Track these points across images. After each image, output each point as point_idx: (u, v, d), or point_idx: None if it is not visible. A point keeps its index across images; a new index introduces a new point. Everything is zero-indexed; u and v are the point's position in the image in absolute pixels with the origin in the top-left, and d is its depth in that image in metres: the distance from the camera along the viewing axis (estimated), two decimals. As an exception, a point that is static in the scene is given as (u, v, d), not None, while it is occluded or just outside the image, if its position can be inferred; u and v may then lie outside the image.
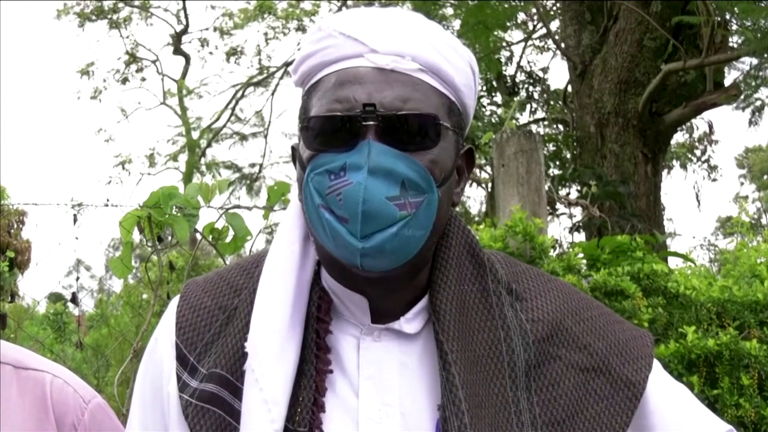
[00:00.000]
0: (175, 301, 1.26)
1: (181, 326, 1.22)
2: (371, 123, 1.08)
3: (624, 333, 1.25)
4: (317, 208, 1.10)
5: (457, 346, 1.14)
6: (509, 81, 11.53)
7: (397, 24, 1.15)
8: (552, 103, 11.95)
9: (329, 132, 1.10)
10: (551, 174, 8.36)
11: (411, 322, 1.18)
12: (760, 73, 7.99)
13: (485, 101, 11.33)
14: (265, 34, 16.41)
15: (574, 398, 1.17)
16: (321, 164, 1.10)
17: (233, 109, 17.03)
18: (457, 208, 1.22)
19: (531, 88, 12.06)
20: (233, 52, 16.96)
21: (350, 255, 1.08)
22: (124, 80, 17.51)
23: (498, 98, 11.43)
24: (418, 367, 1.17)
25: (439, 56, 1.14)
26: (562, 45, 8.79)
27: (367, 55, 1.12)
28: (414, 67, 1.12)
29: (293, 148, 1.22)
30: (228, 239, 3.03)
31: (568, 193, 7.71)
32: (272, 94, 16.81)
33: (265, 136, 17.41)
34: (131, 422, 1.26)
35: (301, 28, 16.07)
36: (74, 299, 3.99)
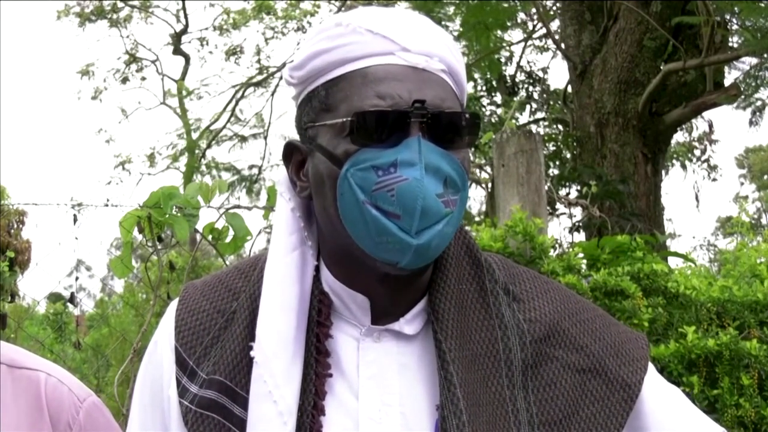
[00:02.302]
0: (173, 304, 1.26)
1: (180, 330, 1.22)
2: (420, 120, 1.09)
3: (620, 335, 1.25)
4: (360, 204, 1.09)
5: (455, 345, 1.15)
6: (509, 81, 11.52)
7: (420, 25, 1.16)
8: (552, 103, 11.95)
9: (374, 127, 1.10)
10: (551, 174, 8.36)
11: (410, 323, 1.18)
12: (760, 73, 7.99)
13: (485, 101, 11.32)
14: (263, 33, 16.41)
15: (571, 399, 1.17)
16: (364, 160, 1.09)
17: (233, 110, 17.03)
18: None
19: (531, 88, 12.05)
20: (233, 52, 16.96)
21: (397, 252, 1.09)
22: (124, 80, 17.50)
23: (498, 98, 11.42)
24: (418, 367, 1.17)
25: (454, 58, 1.17)
26: (562, 45, 8.79)
27: (399, 53, 1.12)
28: (440, 68, 1.14)
29: (291, 145, 1.21)
30: (228, 239, 3.04)
31: (568, 193, 7.71)
32: (272, 95, 16.84)
33: (265, 138, 17.41)
34: (131, 425, 1.26)
35: (301, 28, 16.07)
36: (72, 299, 3.99)
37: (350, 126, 1.11)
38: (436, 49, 1.14)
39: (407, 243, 1.07)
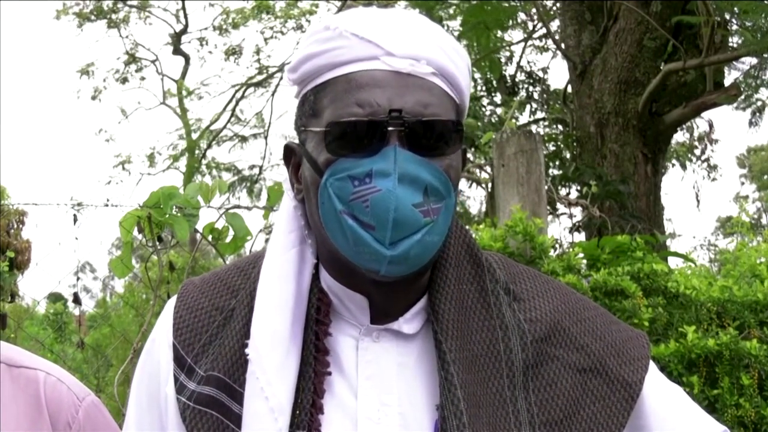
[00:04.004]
0: (171, 301, 1.26)
1: (178, 327, 1.21)
2: (397, 129, 1.08)
3: (621, 334, 1.25)
4: (338, 214, 1.08)
5: (456, 346, 1.14)
6: (509, 81, 11.51)
7: (409, 27, 1.14)
8: (552, 103, 11.95)
9: (351, 136, 1.09)
10: (551, 174, 8.36)
11: (410, 322, 1.18)
12: (760, 73, 7.98)
13: (485, 101, 11.32)
14: (262, 32, 16.40)
15: (571, 398, 1.17)
16: (342, 169, 1.09)
17: (233, 110, 17.03)
18: (458, 208, 1.23)
19: (531, 88, 12.05)
20: (233, 51, 16.95)
21: (374, 262, 1.08)
22: (124, 80, 17.49)
23: (498, 98, 11.42)
24: (417, 367, 1.17)
25: (449, 60, 1.14)
26: (562, 45, 8.78)
27: (383, 58, 1.11)
28: (428, 72, 1.12)
29: (288, 148, 1.21)
30: (228, 239, 3.04)
31: (568, 193, 7.71)
32: (272, 95, 16.84)
33: (266, 138, 17.41)
34: (128, 424, 1.26)
35: (299, 27, 16.06)
36: (76, 299, 3.99)
37: (325, 136, 1.11)
38: (424, 52, 1.12)
39: (381, 254, 1.07)
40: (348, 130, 1.09)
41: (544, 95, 12.05)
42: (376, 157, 1.07)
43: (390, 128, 1.07)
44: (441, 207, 1.09)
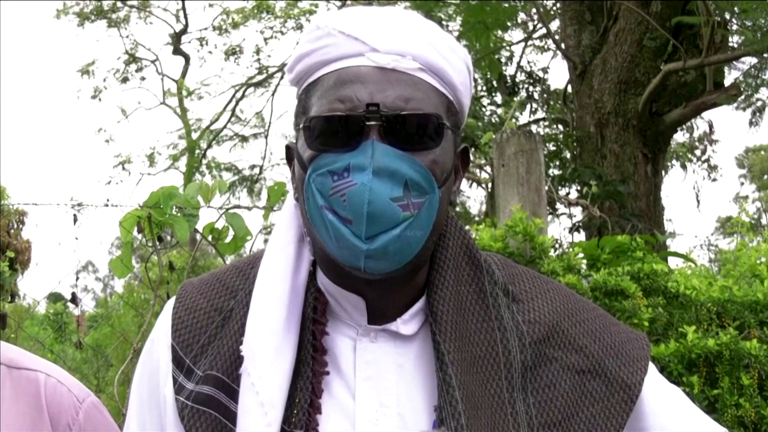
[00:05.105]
0: (170, 302, 1.26)
1: (177, 328, 1.21)
2: (374, 123, 1.08)
3: (620, 335, 1.25)
4: (320, 209, 1.09)
5: (454, 347, 1.14)
6: (509, 81, 11.52)
7: (397, 23, 1.15)
8: (552, 103, 11.95)
9: (331, 132, 1.09)
10: (551, 174, 8.36)
11: (408, 323, 1.18)
12: (760, 74, 7.98)
13: (485, 101, 11.31)
14: (262, 32, 16.41)
15: (570, 400, 1.17)
16: (323, 165, 1.09)
17: (233, 110, 17.03)
18: (457, 208, 1.22)
19: (531, 88, 12.05)
20: (232, 51, 16.95)
21: (353, 257, 1.08)
22: (124, 80, 17.49)
23: (498, 98, 11.42)
24: (415, 368, 1.17)
25: (439, 56, 1.14)
26: (562, 45, 8.79)
27: (368, 54, 1.11)
28: (414, 67, 1.12)
29: (288, 148, 1.22)
30: (228, 239, 3.04)
31: (568, 193, 7.71)
32: (272, 95, 16.83)
33: (266, 137, 17.41)
34: (129, 424, 1.26)
35: (299, 27, 16.06)
36: (74, 299, 3.99)
37: (308, 132, 1.11)
38: (410, 48, 1.12)
39: (359, 248, 1.07)
40: (328, 125, 1.10)
41: (544, 95, 12.06)
42: (355, 152, 1.07)
43: (368, 122, 1.08)
44: (423, 202, 1.09)
